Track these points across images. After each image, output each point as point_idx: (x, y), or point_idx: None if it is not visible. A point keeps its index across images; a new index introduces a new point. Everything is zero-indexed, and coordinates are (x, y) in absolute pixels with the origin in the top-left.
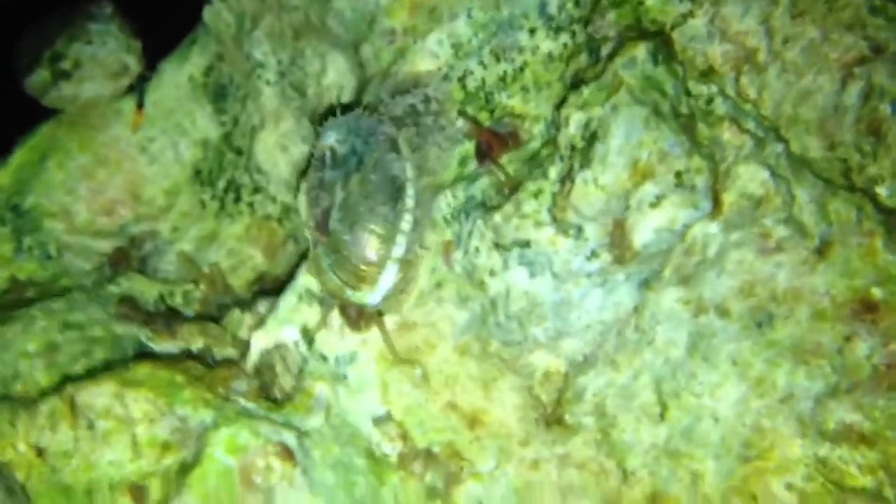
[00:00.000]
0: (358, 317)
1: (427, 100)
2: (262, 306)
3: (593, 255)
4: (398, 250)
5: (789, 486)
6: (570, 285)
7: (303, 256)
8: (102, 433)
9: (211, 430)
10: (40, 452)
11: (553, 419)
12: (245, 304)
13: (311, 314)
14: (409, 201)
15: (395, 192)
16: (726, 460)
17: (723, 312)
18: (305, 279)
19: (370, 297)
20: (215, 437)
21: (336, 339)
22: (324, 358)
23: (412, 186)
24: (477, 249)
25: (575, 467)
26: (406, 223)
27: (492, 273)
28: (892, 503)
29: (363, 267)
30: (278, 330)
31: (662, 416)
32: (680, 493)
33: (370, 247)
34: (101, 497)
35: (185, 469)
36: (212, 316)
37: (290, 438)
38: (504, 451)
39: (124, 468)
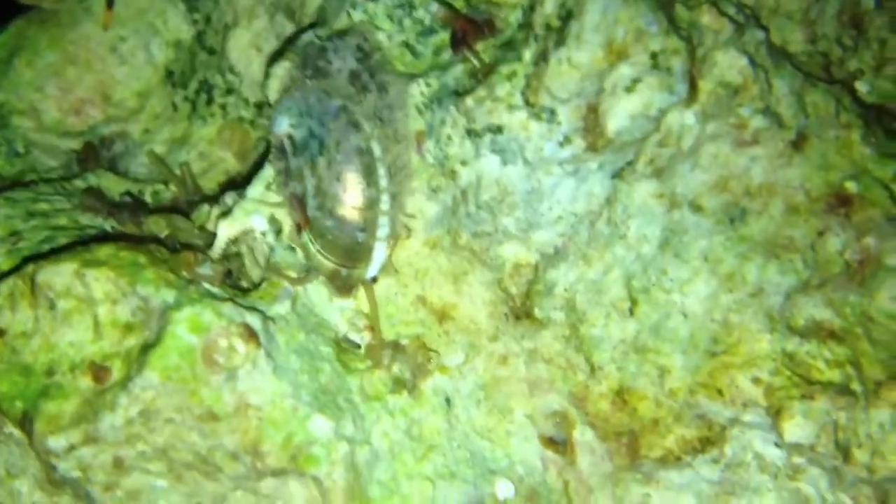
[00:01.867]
0: (347, 285)
1: (365, 55)
2: (229, 198)
3: (566, 140)
4: (383, 231)
5: (756, 380)
6: (542, 173)
7: (270, 146)
8: (63, 313)
9: (173, 309)
10: (0, 333)
11: (522, 312)
12: (214, 200)
13: (279, 203)
14: (383, 181)
15: (366, 170)
16: (694, 355)
17: (696, 207)
18: (273, 168)
19: (368, 271)
20: (177, 315)
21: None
22: (292, 248)
23: (382, 165)
24: (449, 138)
25: (543, 362)
26: (384, 203)
27: (463, 162)
28: (859, 397)
29: (354, 248)
30: (246, 219)
31: (632, 312)
32: (646, 388)
33: (356, 231)
34: (61, 377)
35: (146, 349)
36: (181, 211)
37: (254, 321)
38: (473, 345)
39: (85, 349)
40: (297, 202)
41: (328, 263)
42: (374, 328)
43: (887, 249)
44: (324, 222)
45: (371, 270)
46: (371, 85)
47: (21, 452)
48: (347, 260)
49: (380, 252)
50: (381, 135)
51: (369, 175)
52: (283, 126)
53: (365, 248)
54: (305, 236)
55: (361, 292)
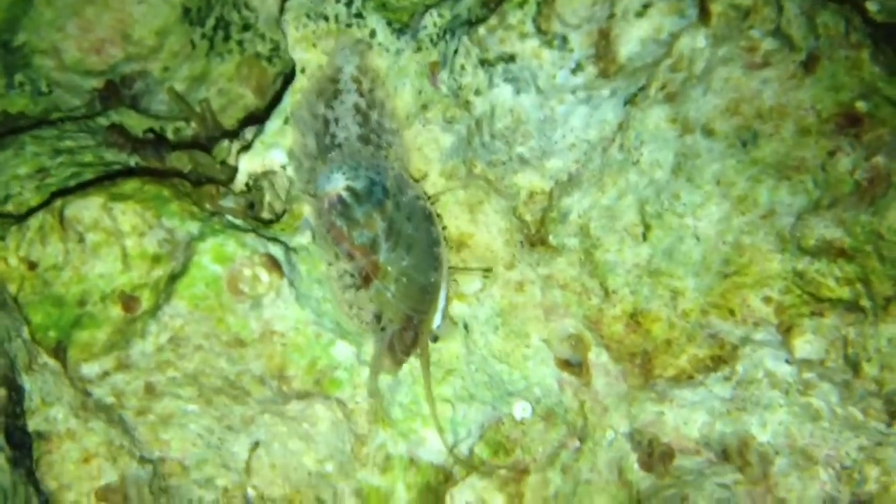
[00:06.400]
0: (411, 345)
1: (364, 117)
2: (249, 133)
3: (578, 67)
4: (444, 272)
5: (766, 299)
6: (555, 101)
7: (288, 81)
8: (92, 246)
9: (198, 240)
10: (32, 266)
11: (537, 239)
12: (234, 136)
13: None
14: (439, 228)
15: (425, 209)
16: (706, 277)
17: (708, 132)
18: (293, 101)
19: (437, 320)
20: (202, 246)
21: None
22: None
23: (433, 212)
24: (462, 68)
25: (558, 287)
26: (444, 245)
27: (477, 91)
28: (868, 313)
29: (427, 288)
30: (265, 153)
31: (645, 237)
32: (660, 310)
33: (430, 269)
34: (92, 307)
35: (174, 278)
36: (202, 147)
37: (277, 251)
38: (490, 273)
39: (115, 280)
40: (366, 250)
41: (401, 311)
42: (428, 398)
43: None
44: (400, 263)
45: (438, 317)
46: (381, 142)
47: (55, 381)
48: (421, 303)
49: (443, 296)
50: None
51: (431, 221)
52: (340, 182)
53: (435, 288)
54: (376, 286)
55: None
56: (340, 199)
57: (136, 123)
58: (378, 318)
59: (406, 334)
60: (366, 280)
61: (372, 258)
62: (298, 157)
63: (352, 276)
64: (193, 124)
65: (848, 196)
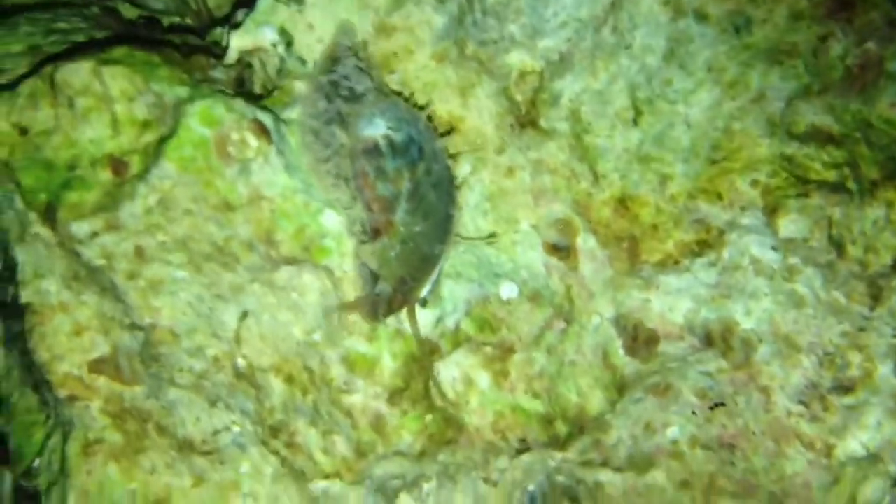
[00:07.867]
0: (397, 308)
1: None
2: (240, 14)
3: None
4: (448, 246)
5: (754, 183)
6: None
7: None
8: (82, 111)
9: (186, 103)
10: (23, 131)
11: (528, 121)
12: (226, 22)
13: (289, 14)
14: (458, 204)
15: (451, 183)
16: (695, 163)
17: (701, 16)
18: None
19: (426, 289)
20: (190, 109)
21: (315, 42)
22: (302, 61)
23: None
24: None
25: (548, 172)
26: (456, 222)
27: None
28: (854, 195)
29: (428, 259)
30: (256, 30)
31: (636, 122)
32: (648, 195)
33: (438, 241)
34: (82, 171)
35: (162, 141)
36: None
37: (266, 118)
38: (480, 158)
39: (105, 145)
40: (386, 205)
41: (398, 273)
42: (420, 352)
43: (888, 54)
44: (412, 227)
45: (428, 287)
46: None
47: (48, 252)
48: (418, 270)
49: (439, 269)
50: None
51: (452, 195)
52: (380, 128)
53: (436, 260)
54: (382, 242)
55: None
56: (376, 147)
57: (131, 14)
58: (374, 275)
59: (395, 296)
60: (375, 234)
61: (388, 215)
62: (309, 124)
63: (364, 225)
64: (189, 20)
65: (839, 82)
